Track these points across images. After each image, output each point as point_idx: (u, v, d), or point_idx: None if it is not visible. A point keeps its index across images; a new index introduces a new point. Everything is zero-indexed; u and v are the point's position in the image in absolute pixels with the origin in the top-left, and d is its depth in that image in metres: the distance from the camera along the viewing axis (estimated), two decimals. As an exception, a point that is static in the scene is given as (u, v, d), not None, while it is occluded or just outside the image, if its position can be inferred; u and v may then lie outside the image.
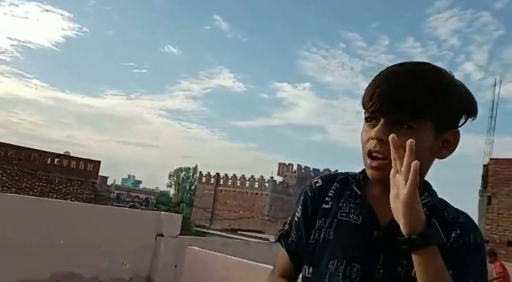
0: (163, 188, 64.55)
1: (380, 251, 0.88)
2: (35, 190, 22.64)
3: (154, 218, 4.07)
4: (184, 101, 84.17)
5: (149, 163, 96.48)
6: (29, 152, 24.02)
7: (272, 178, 58.33)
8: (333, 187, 0.98)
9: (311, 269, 0.95)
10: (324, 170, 63.93)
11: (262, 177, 49.19)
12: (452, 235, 0.88)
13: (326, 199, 0.97)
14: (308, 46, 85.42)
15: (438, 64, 0.95)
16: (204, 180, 48.47)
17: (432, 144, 0.90)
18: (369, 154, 0.90)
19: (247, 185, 46.70)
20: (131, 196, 42.84)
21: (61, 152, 26.70)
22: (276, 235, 1.05)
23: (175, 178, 64.11)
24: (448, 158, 0.94)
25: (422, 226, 0.77)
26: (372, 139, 0.89)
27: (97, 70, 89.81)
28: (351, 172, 1.01)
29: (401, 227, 0.78)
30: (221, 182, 46.92)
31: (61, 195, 23.05)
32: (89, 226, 6.02)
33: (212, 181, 47.51)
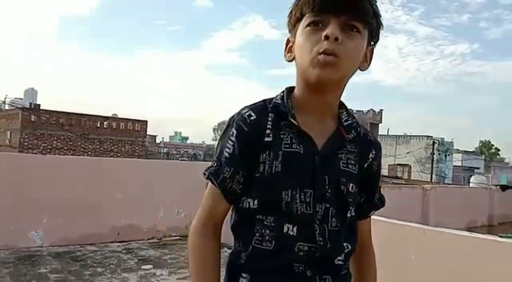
0: (209, 142, 66.04)
1: (324, 173, 0.93)
2: (89, 153, 23.77)
3: (203, 168, 4.10)
4: (220, 54, 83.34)
5: (193, 119, 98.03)
6: (79, 117, 25.01)
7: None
8: (269, 118, 0.95)
9: (256, 201, 0.93)
10: (368, 111, 62.63)
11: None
12: (370, 156, 1.02)
13: (267, 131, 0.94)
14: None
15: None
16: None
17: (362, 54, 0.94)
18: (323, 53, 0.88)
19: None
20: (180, 152, 44.12)
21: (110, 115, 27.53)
22: (205, 173, 0.98)
23: (219, 131, 65.26)
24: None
25: None
26: (325, 39, 0.87)
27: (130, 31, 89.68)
28: (274, 98, 0.98)
29: None
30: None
31: (114, 155, 24.07)
32: (142, 180, 6.28)
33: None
